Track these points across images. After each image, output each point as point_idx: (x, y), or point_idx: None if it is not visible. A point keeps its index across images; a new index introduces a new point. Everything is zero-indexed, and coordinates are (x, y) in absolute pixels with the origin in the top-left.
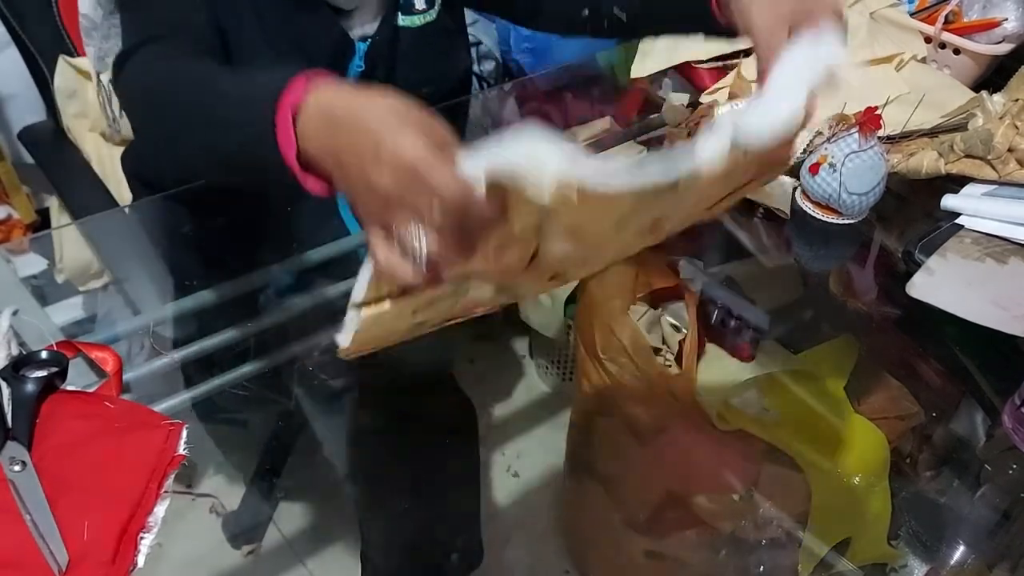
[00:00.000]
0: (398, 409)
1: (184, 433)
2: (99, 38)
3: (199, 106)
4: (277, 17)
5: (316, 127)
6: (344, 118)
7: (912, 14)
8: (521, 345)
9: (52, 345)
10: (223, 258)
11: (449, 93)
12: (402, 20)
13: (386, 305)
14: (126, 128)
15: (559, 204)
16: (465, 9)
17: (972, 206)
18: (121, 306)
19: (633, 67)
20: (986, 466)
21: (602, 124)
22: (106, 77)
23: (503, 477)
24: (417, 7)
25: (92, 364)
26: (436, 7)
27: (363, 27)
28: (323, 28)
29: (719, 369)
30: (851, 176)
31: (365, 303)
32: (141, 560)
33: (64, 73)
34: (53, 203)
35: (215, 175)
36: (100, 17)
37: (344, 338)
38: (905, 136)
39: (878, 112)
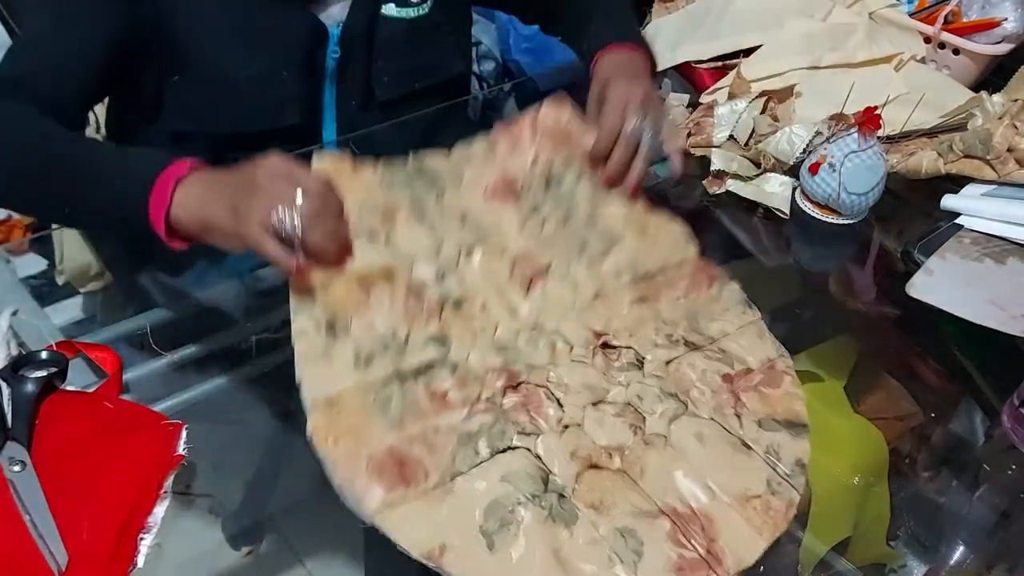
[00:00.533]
0: None
1: (184, 433)
2: None
3: (71, 172)
4: (240, 8)
5: (195, 189)
6: (222, 174)
7: (911, 14)
8: None
9: (52, 345)
10: (223, 258)
11: (443, 91)
12: (395, 11)
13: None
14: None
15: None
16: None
17: (971, 206)
18: (121, 306)
19: None
20: (985, 466)
21: None
22: None
23: None
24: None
25: (92, 364)
26: (430, 1)
27: (340, 14)
28: (293, 15)
29: None
30: (850, 176)
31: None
32: (140, 560)
33: None
34: None
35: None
36: None
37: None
38: (904, 136)
39: (877, 112)
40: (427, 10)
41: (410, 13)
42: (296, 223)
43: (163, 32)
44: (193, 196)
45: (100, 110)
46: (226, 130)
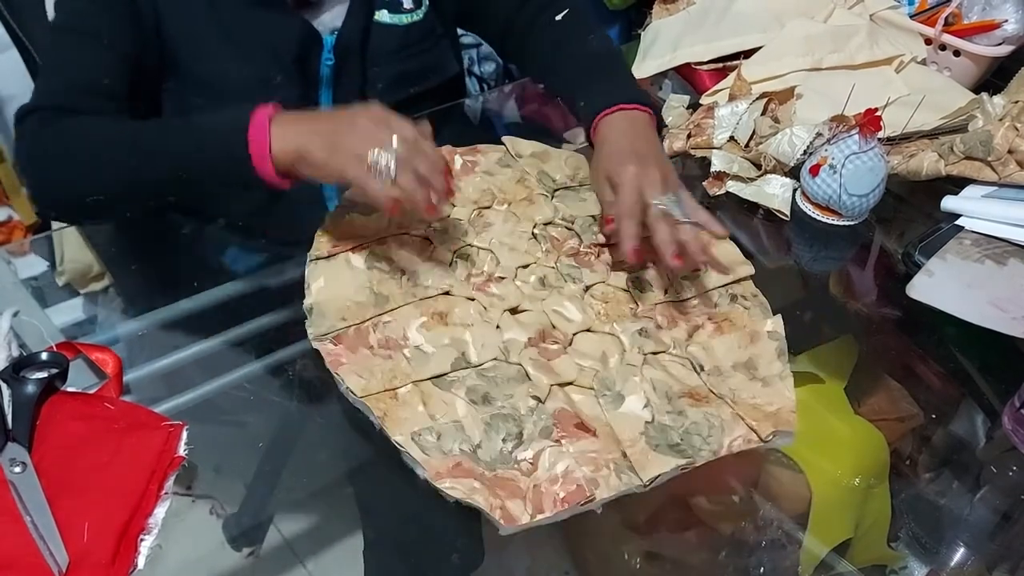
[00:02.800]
0: None
1: (184, 434)
2: None
3: (157, 137)
4: (233, 14)
5: (291, 123)
6: (314, 113)
7: (912, 16)
8: None
9: (52, 346)
10: (224, 259)
11: (439, 94)
12: (388, 18)
13: (339, 257)
14: None
15: None
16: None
17: (972, 208)
18: (121, 308)
19: (633, 68)
20: (986, 468)
21: None
22: None
23: None
24: (405, 5)
25: (92, 365)
26: (424, 7)
27: (333, 21)
28: (285, 21)
29: None
30: (851, 178)
31: (319, 257)
32: (141, 561)
33: None
34: None
35: (168, 193)
36: None
37: (307, 301)
38: (905, 138)
39: (878, 114)
40: (421, 16)
41: (403, 19)
42: (391, 164)
43: (161, 39)
44: (289, 130)
45: None
46: None
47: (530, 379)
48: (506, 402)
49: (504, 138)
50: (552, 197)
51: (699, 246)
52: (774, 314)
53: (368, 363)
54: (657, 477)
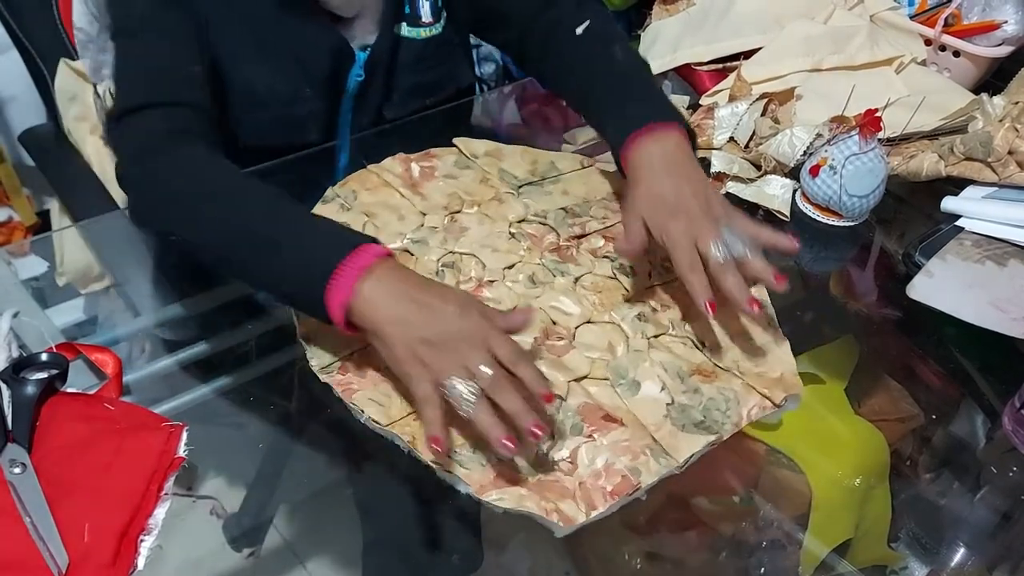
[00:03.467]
0: None
1: (184, 435)
2: (95, 50)
3: (253, 240)
4: (271, 26)
5: (384, 291)
6: (410, 284)
7: (912, 17)
8: None
9: (52, 347)
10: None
11: (452, 103)
12: (407, 31)
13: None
14: None
15: None
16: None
17: (972, 208)
18: (122, 308)
19: None
20: (986, 468)
21: None
22: (103, 88)
23: None
24: (423, 19)
25: (92, 366)
26: (442, 21)
27: (364, 36)
28: (321, 37)
29: None
30: (851, 178)
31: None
32: (141, 562)
33: (64, 76)
34: (54, 205)
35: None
36: (96, 31)
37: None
38: (905, 138)
39: (878, 114)
40: (439, 30)
41: (422, 33)
42: (471, 398)
43: (207, 44)
44: (379, 299)
45: None
46: (249, 143)
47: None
48: None
49: (456, 139)
50: (518, 194)
51: (767, 269)
52: (774, 316)
53: (381, 387)
54: (691, 457)
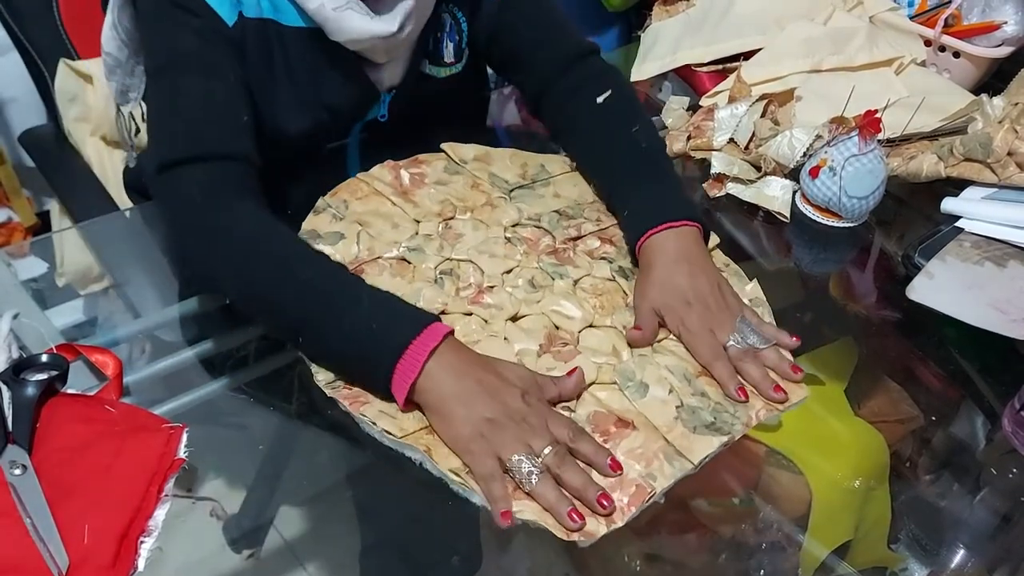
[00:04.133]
0: None
1: (185, 437)
2: (122, 74)
3: (317, 305)
4: (307, 71)
5: (450, 368)
6: (475, 367)
7: (912, 17)
8: None
9: (52, 348)
10: None
11: (468, 130)
12: (429, 69)
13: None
14: (141, 142)
15: None
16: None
17: (972, 209)
18: (122, 309)
19: (633, 70)
20: (986, 470)
21: None
22: (127, 110)
23: None
24: (446, 59)
25: (92, 367)
26: (463, 61)
27: (391, 78)
28: (351, 81)
29: None
30: (851, 179)
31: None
32: (141, 564)
33: (65, 76)
34: (54, 206)
35: (304, 351)
36: (125, 56)
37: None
38: (905, 139)
39: (878, 115)
40: (460, 68)
41: (443, 72)
42: (533, 473)
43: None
44: (445, 375)
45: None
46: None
47: None
48: None
49: (444, 145)
50: (510, 198)
51: (783, 363)
52: (773, 317)
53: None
54: (705, 458)
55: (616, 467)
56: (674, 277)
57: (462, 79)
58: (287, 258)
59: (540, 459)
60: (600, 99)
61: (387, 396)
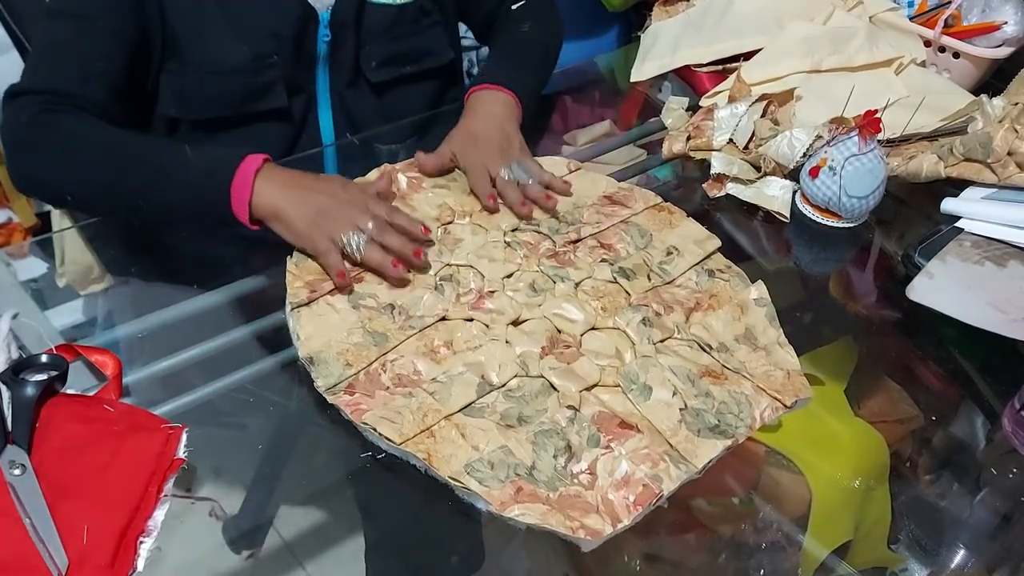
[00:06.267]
0: None
1: (184, 437)
2: None
3: (144, 149)
4: None
5: (276, 182)
6: (295, 175)
7: (911, 18)
8: None
9: (52, 348)
10: (224, 261)
11: (434, 77)
12: None
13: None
14: None
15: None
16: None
17: (971, 209)
18: (121, 310)
19: (633, 71)
20: (986, 470)
21: (602, 128)
22: None
23: None
24: None
25: (92, 367)
26: None
27: None
28: (283, 1)
29: None
30: (851, 179)
31: (299, 304)
32: (141, 564)
33: None
34: None
35: (150, 216)
36: None
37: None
38: (905, 140)
39: (878, 116)
40: (406, 1)
41: (396, 0)
42: (361, 244)
43: (164, 21)
44: (274, 189)
45: None
46: (219, 114)
47: (556, 390)
48: (543, 417)
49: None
50: None
51: (541, 193)
52: (774, 316)
53: (391, 405)
54: (708, 463)
55: (426, 231)
56: (473, 124)
57: (417, 14)
58: (117, 142)
59: (365, 233)
60: (515, 6)
61: (235, 224)
